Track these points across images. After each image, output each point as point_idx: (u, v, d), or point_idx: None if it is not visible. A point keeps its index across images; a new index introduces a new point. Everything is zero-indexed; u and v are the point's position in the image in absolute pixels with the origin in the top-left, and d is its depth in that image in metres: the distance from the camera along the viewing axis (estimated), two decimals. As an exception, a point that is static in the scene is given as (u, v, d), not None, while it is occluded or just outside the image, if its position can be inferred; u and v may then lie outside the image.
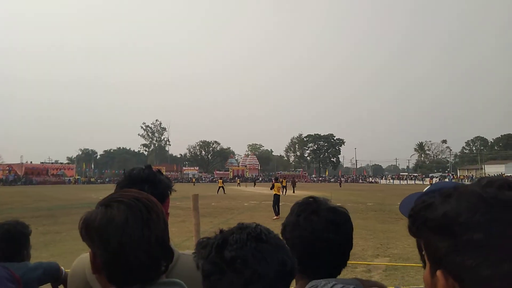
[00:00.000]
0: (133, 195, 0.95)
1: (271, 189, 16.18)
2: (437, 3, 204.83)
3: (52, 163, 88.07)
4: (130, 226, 0.88)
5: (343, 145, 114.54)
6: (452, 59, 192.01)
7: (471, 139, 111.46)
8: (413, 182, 73.30)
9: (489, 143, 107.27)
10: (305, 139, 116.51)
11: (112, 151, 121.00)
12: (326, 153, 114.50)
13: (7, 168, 73.22)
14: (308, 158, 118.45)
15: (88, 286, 1.18)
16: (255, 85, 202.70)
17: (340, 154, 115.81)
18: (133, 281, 0.91)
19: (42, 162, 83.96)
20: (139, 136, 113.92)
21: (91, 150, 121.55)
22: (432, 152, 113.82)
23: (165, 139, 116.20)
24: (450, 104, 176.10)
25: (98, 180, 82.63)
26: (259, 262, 0.76)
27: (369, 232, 10.92)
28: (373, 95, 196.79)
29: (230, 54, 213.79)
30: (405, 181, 79.87)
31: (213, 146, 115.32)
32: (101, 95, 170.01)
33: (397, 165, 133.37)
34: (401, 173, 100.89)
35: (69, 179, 77.43)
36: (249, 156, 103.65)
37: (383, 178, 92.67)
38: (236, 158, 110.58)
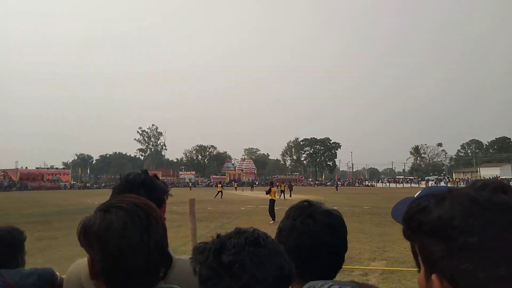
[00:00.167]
0: (132, 201, 0.95)
1: (267, 193, 16.00)
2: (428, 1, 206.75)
3: (47, 168, 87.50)
4: (129, 232, 0.88)
5: (339, 148, 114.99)
6: (446, 62, 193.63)
7: (466, 142, 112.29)
8: (409, 185, 73.50)
9: (484, 146, 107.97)
10: (301, 143, 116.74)
11: (108, 156, 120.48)
12: (322, 157, 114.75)
13: (2, 173, 72.63)
14: (304, 162, 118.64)
15: None
16: (251, 89, 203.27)
17: (336, 157, 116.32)
18: (131, 287, 0.91)
19: (37, 168, 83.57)
20: (135, 141, 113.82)
21: (87, 155, 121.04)
22: (428, 155, 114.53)
23: (161, 144, 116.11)
24: (446, 107, 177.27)
25: (94, 185, 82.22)
26: (257, 266, 0.75)
27: (366, 235, 10.94)
28: (370, 99, 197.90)
29: (227, 56, 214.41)
30: (401, 184, 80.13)
31: (210, 150, 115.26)
32: (98, 97, 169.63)
33: (393, 168, 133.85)
34: (397, 177, 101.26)
35: (65, 184, 77.02)
36: (246, 160, 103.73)
37: (379, 181, 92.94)
38: (233, 162, 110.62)
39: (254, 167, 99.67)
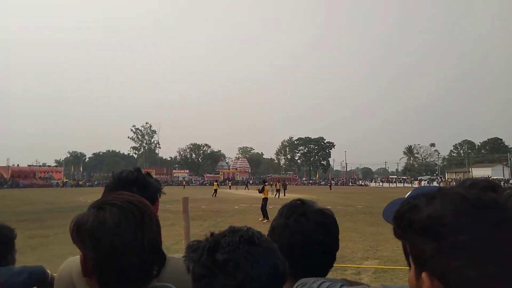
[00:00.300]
0: (126, 198, 0.94)
1: (260, 192, 15.93)
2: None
3: (39, 166, 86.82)
4: (122, 229, 0.87)
5: (333, 148, 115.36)
6: (440, 63, 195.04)
7: (459, 143, 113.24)
8: (402, 185, 73.99)
9: (476, 147, 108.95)
10: (295, 142, 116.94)
11: (101, 153, 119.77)
12: (316, 156, 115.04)
13: (-7, 171, 71.91)
14: (298, 161, 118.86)
15: None
16: (246, 88, 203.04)
17: (330, 157, 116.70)
18: (124, 285, 0.90)
19: (29, 165, 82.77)
20: (129, 139, 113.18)
21: (80, 153, 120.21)
22: (421, 155, 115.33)
23: (155, 142, 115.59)
24: (439, 108, 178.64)
25: (87, 183, 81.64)
26: (252, 265, 0.75)
27: (359, 234, 10.99)
28: (364, 99, 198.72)
29: (223, 55, 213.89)
30: (395, 184, 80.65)
31: (204, 149, 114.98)
32: (91, 95, 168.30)
33: (387, 168, 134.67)
34: (390, 176, 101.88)
35: (57, 182, 76.34)
36: (240, 159, 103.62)
37: (373, 181, 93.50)
38: (227, 161, 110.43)
39: (248, 166, 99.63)
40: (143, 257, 0.89)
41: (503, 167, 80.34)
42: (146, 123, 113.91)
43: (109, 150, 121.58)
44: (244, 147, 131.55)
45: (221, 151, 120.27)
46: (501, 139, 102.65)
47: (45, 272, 1.84)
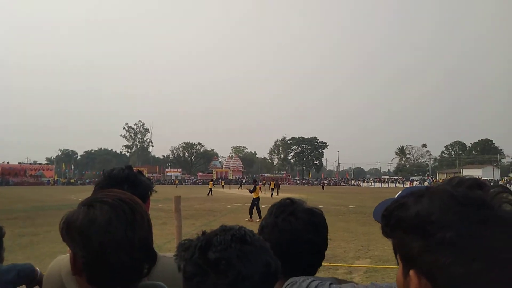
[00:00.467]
0: (117, 196, 0.93)
1: (252, 191, 15.63)
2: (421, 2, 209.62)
3: (30, 163, 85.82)
4: (113, 227, 0.86)
5: (326, 148, 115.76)
6: (433, 66, 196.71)
7: (450, 144, 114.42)
8: (394, 185, 74.52)
9: (467, 148, 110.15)
10: (288, 141, 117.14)
11: (93, 152, 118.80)
12: (309, 156, 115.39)
13: (-17, 168, 70.99)
14: (291, 160, 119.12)
15: None
16: (239, 87, 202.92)
17: (323, 157, 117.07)
18: (114, 283, 0.89)
19: (20, 163, 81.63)
20: (121, 137, 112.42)
21: (71, 150, 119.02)
22: (413, 156, 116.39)
23: (148, 140, 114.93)
24: (431, 109, 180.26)
25: (78, 181, 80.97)
26: (244, 263, 0.75)
27: (351, 234, 11.05)
28: (357, 100, 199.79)
29: (215, 54, 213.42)
30: (387, 184, 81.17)
31: (197, 148, 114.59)
32: (83, 92, 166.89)
33: (379, 168, 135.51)
34: (382, 176, 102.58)
35: (48, 180, 75.58)
36: (233, 158, 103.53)
37: (365, 181, 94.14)
38: (220, 160, 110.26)
39: (241, 165, 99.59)
40: (134, 255, 0.88)
41: (493, 168, 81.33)
42: (139, 121, 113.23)
43: (101, 148, 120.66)
44: (237, 146, 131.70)
45: (214, 150, 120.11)
46: (492, 141, 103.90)
47: (34, 270, 1.81)
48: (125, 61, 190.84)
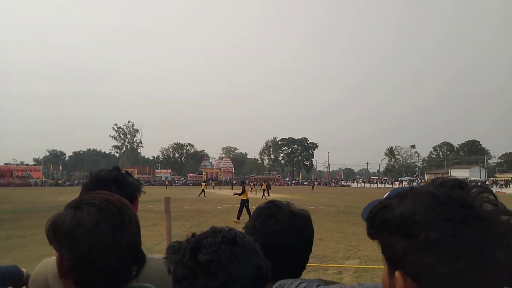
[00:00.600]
0: (104, 197, 0.92)
1: (241, 194, 15.47)
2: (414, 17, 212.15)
3: (17, 164, 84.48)
4: (101, 229, 0.85)
5: (316, 149, 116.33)
6: (420, 71, 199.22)
7: (438, 145, 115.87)
8: (383, 186, 75.26)
9: (455, 149, 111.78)
10: (279, 142, 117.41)
11: (81, 152, 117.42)
12: (299, 157, 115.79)
13: (-32, 169, 69.62)
14: (282, 161, 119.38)
15: None
16: (231, 87, 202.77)
17: (313, 157, 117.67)
18: (102, 286, 0.88)
19: (6, 163, 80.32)
20: (111, 138, 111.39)
21: (59, 151, 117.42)
22: (402, 157, 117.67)
23: (138, 141, 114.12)
24: (420, 110, 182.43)
25: (67, 182, 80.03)
26: (234, 266, 0.75)
27: (341, 234, 11.13)
28: (347, 99, 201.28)
29: (207, 54, 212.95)
30: (376, 184, 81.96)
31: (187, 148, 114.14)
32: (72, 92, 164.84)
33: (368, 169, 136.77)
34: (372, 177, 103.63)
35: (35, 181, 74.54)
36: (224, 159, 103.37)
37: (355, 181, 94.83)
38: (210, 160, 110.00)
39: (232, 166, 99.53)
40: (122, 257, 0.87)
41: (480, 169, 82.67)
42: (129, 121, 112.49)
43: (90, 149, 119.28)
44: (227, 147, 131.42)
45: (205, 151, 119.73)
46: (479, 142, 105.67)
47: (20, 271, 1.78)
48: (115, 64, 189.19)
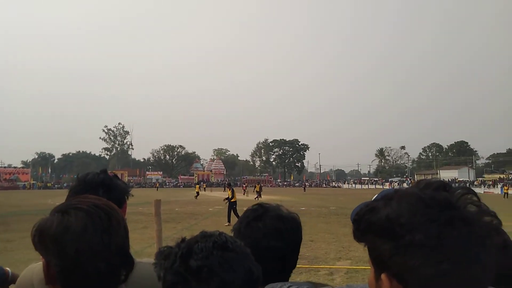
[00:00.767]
0: (92, 202, 0.91)
1: (231, 199, 15.16)
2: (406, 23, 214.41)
3: (4, 167, 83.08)
4: (89, 234, 0.84)
5: (307, 150, 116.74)
6: (418, 71, 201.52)
7: (428, 146, 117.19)
8: (374, 187, 75.78)
9: (444, 150, 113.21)
10: (270, 144, 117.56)
11: (71, 154, 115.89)
12: (291, 158, 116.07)
13: (-47, 172, 68.28)
14: (273, 163, 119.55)
15: None
16: (222, 89, 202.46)
17: (304, 159, 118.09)
18: None
19: (-7, 166, 79.08)
20: (101, 140, 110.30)
21: (48, 153, 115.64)
22: (392, 158, 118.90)
23: (128, 143, 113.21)
24: (410, 112, 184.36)
25: (56, 185, 78.83)
26: (226, 271, 0.74)
27: (332, 235, 11.14)
28: (337, 100, 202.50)
29: (198, 54, 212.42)
30: (367, 185, 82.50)
31: (178, 150, 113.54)
32: (62, 93, 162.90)
33: (359, 170, 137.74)
34: (362, 178, 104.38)
35: (24, 184, 73.50)
36: (215, 160, 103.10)
37: (346, 182, 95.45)
38: (202, 162, 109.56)
39: (223, 167, 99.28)
40: (110, 261, 0.87)
41: (469, 169, 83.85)
42: (119, 123, 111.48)
43: (79, 151, 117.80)
44: (219, 148, 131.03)
45: (196, 153, 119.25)
46: (467, 143, 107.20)
47: (6, 272, 1.75)
48: (105, 65, 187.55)
